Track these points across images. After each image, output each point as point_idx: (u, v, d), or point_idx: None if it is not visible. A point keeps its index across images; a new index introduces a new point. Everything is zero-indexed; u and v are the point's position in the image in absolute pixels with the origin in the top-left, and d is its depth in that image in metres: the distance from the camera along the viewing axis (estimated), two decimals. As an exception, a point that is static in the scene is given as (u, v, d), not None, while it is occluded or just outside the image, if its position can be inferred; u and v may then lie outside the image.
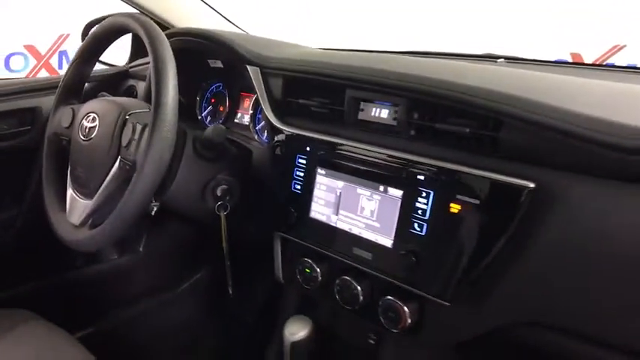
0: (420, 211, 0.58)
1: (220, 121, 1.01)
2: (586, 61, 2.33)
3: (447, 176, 0.55)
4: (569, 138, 0.48)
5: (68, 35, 3.08)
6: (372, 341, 0.76)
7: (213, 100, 1.05)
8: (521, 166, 0.52)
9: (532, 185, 0.50)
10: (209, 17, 1.10)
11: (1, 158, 1.01)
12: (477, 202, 0.53)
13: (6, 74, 3.17)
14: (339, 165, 0.67)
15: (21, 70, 3.23)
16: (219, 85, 1.03)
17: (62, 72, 1.25)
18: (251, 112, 0.95)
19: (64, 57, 3.16)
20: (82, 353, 0.81)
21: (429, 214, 0.57)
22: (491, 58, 0.99)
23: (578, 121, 0.48)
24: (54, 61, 3.14)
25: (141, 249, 1.29)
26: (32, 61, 3.26)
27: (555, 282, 0.51)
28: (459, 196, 0.54)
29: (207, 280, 1.38)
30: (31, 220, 1.01)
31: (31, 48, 3.22)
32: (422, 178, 0.57)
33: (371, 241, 0.63)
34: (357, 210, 0.64)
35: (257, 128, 0.93)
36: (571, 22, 2.47)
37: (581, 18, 2.46)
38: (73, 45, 2.86)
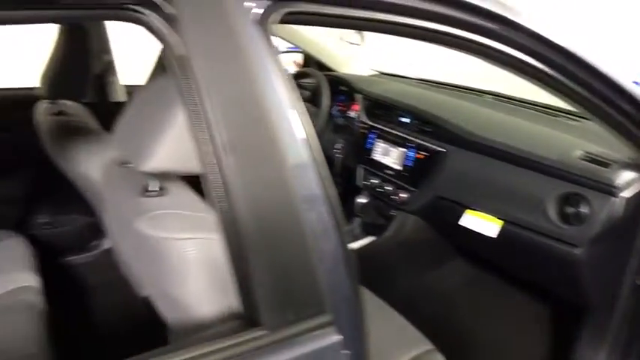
0: (409, 157, 1.63)
1: (341, 116, 2.12)
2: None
3: (415, 145, 1.60)
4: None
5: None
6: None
7: (339, 104, 2.15)
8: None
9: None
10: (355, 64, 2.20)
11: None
12: (427, 154, 1.57)
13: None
14: (387, 139, 1.74)
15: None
16: (344, 98, 2.13)
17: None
18: (354, 112, 2.04)
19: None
20: None
21: (412, 158, 1.62)
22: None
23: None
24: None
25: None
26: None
27: (450, 182, 1.53)
28: (421, 152, 1.59)
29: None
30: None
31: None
32: (411, 145, 1.63)
33: (383, 164, 1.70)
34: (387, 154, 1.71)
35: (355, 119, 2.03)
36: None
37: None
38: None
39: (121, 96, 1.88)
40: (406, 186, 1.66)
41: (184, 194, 0.87)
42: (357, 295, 0.66)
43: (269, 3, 0.65)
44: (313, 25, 0.73)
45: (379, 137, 1.76)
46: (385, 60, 2.31)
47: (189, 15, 0.57)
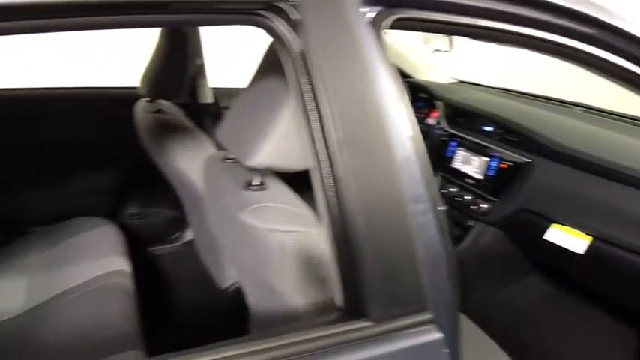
0: (491, 166, 1.60)
1: (419, 123, 2.11)
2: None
3: (499, 154, 1.57)
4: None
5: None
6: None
7: (417, 111, 2.15)
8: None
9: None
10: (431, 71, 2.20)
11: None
12: (511, 164, 1.54)
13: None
14: (468, 147, 1.71)
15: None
16: (422, 105, 2.13)
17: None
18: (432, 120, 2.03)
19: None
20: None
21: (495, 168, 1.59)
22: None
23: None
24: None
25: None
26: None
27: (535, 194, 1.49)
28: (505, 162, 1.55)
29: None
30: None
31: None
32: (495, 154, 1.60)
33: (463, 172, 1.67)
34: (467, 163, 1.69)
35: (434, 126, 2.01)
36: None
37: None
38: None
39: (208, 97, 1.99)
40: (487, 196, 1.63)
41: (281, 189, 0.92)
42: (456, 297, 0.67)
43: (380, 9, 0.68)
44: (421, 31, 0.75)
45: (459, 145, 1.75)
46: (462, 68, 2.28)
47: (312, 19, 0.61)
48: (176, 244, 2.12)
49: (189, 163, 1.33)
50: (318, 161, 0.62)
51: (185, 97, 1.81)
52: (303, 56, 0.62)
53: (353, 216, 0.59)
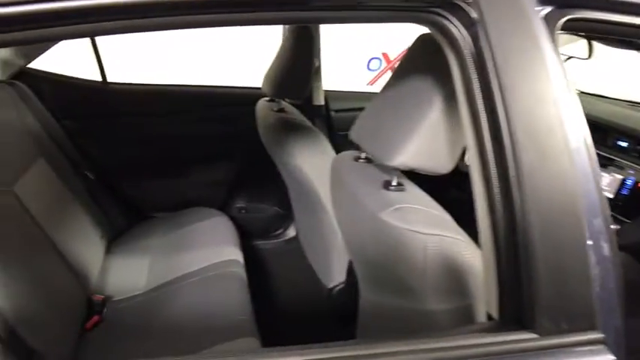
0: (626, 185, 1.47)
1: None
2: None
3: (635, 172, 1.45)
4: None
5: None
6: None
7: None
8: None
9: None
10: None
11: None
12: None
13: (366, 72, 4.62)
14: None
15: (376, 69, 4.66)
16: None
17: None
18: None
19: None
20: None
21: (630, 187, 1.46)
22: None
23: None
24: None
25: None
26: (384, 64, 4.68)
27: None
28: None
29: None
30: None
31: (385, 55, 4.66)
32: (630, 172, 1.47)
33: None
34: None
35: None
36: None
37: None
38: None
39: (321, 100, 2.02)
40: (618, 217, 1.50)
41: (418, 191, 0.91)
42: (623, 320, 0.62)
43: (553, 8, 0.65)
44: (593, 32, 0.71)
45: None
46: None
47: (490, 18, 0.60)
48: (278, 240, 2.18)
49: (309, 161, 1.36)
50: (486, 163, 0.60)
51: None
52: (477, 55, 0.61)
53: (526, 221, 0.57)
